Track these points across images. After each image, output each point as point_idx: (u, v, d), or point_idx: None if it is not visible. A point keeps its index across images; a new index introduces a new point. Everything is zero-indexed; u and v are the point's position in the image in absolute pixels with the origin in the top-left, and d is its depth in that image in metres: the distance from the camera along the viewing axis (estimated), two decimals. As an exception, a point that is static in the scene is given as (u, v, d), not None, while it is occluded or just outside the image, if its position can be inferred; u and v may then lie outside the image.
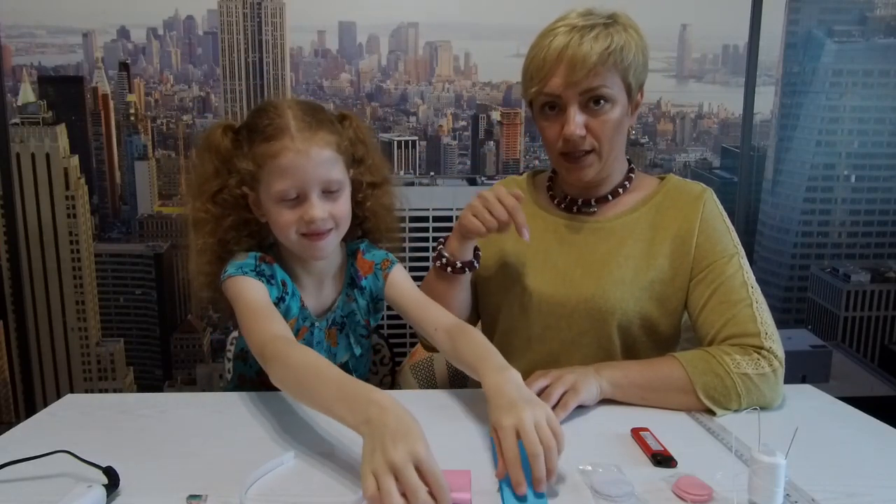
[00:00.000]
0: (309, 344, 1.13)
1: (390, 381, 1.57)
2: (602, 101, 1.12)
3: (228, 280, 1.06)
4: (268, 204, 1.06)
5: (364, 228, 1.22)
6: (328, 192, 1.05)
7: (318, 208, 1.03)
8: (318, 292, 1.17)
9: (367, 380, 1.25)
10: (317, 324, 1.16)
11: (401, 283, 1.19)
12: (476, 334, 1.05)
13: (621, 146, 1.20)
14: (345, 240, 1.17)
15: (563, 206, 1.27)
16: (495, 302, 1.28)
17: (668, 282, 1.18)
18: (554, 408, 1.01)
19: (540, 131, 1.20)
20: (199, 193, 1.10)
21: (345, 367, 1.20)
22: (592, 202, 1.25)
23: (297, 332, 1.12)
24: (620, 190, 1.25)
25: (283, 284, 1.10)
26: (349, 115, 1.15)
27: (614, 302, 1.17)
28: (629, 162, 1.28)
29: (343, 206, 1.07)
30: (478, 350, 1.00)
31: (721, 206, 1.22)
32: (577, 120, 1.12)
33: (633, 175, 1.26)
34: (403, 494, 0.70)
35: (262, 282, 1.06)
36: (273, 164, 1.02)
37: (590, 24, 1.11)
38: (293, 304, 1.13)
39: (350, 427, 0.80)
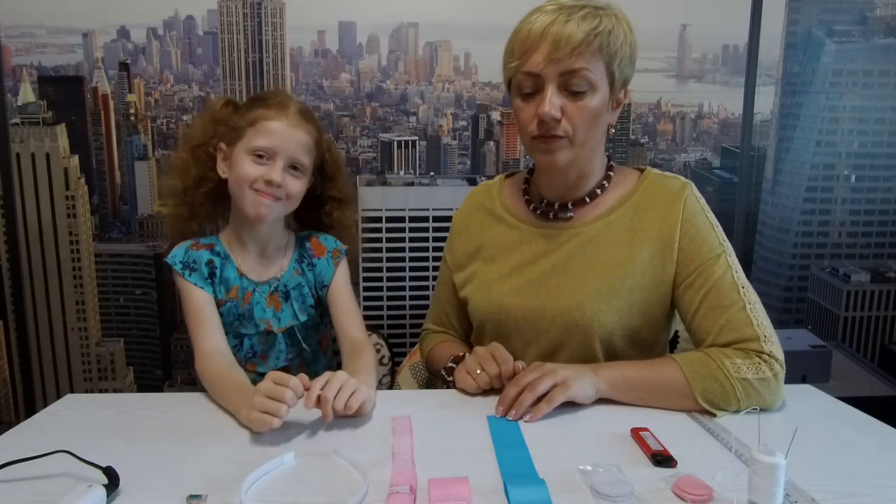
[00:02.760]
0: (251, 307, 1.30)
1: (390, 380, 1.57)
2: (582, 85, 1.07)
3: (175, 275, 1.27)
4: (239, 155, 1.23)
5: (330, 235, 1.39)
6: (292, 169, 1.23)
7: (278, 173, 1.21)
8: (260, 259, 1.32)
9: (317, 348, 1.40)
10: (258, 289, 1.30)
11: (339, 283, 1.35)
12: (366, 357, 1.21)
13: (598, 140, 1.15)
14: (294, 229, 1.37)
15: (538, 211, 1.22)
16: (478, 321, 1.26)
17: (649, 289, 1.14)
18: (539, 399, 1.01)
19: (515, 113, 1.15)
20: (183, 146, 1.31)
21: (291, 332, 1.32)
22: (570, 206, 1.20)
23: (242, 298, 1.29)
24: (599, 191, 1.20)
25: (210, 263, 1.27)
26: (328, 142, 1.36)
27: (592, 314, 1.13)
28: (608, 159, 1.23)
29: (298, 187, 1.25)
30: (354, 371, 1.12)
31: (703, 201, 1.17)
32: (553, 100, 1.07)
33: (611, 174, 1.21)
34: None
35: (187, 275, 1.25)
36: (262, 125, 1.22)
37: (579, 5, 1.07)
38: (229, 274, 1.29)
39: (246, 419, 0.98)
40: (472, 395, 1.10)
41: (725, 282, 1.10)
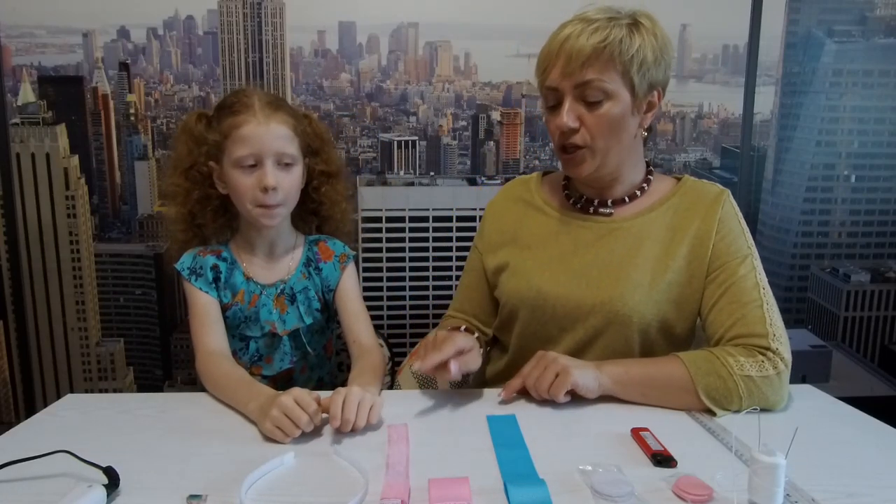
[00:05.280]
0: (258, 309, 1.29)
1: (390, 381, 1.57)
2: (596, 95, 1.11)
3: (182, 280, 1.28)
4: (229, 171, 1.22)
5: (320, 214, 1.36)
6: (282, 165, 1.21)
7: (271, 175, 1.19)
8: (268, 262, 1.32)
9: (322, 353, 1.39)
10: (265, 291, 1.29)
11: (347, 287, 1.34)
12: (373, 360, 1.22)
13: (626, 147, 1.18)
14: (304, 232, 1.36)
15: (579, 205, 1.26)
16: (512, 306, 1.26)
17: (685, 284, 1.17)
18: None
19: (545, 124, 1.21)
20: (174, 170, 1.28)
21: (295, 334, 1.32)
22: (609, 203, 1.24)
23: (249, 301, 1.29)
24: (638, 193, 1.24)
25: (215, 268, 1.27)
26: (309, 115, 1.33)
27: (633, 305, 1.16)
28: (648, 164, 1.27)
29: (293, 180, 1.24)
30: (361, 372, 1.17)
31: (737, 208, 1.22)
32: (568, 112, 1.12)
33: (651, 178, 1.26)
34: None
35: (193, 280, 1.26)
36: (236, 134, 1.19)
37: (597, 17, 1.11)
38: (236, 279, 1.29)
39: (255, 417, 1.00)
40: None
41: (748, 281, 1.14)
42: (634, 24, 1.12)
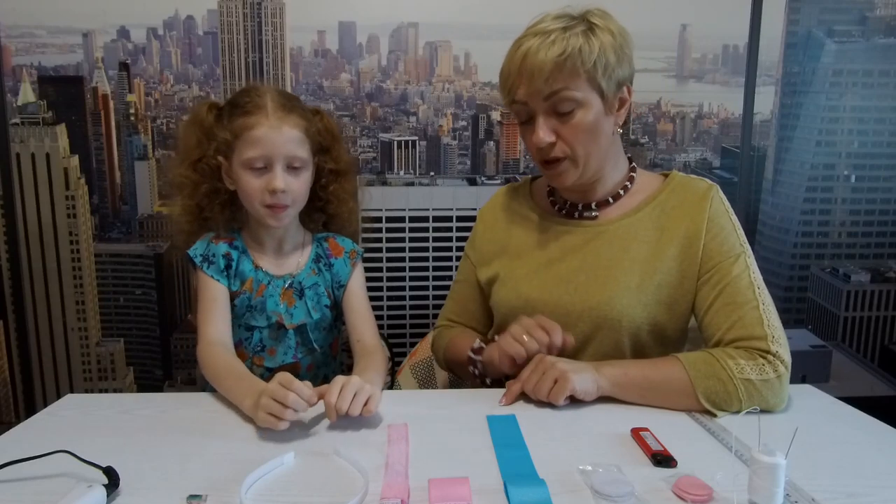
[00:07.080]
0: (264, 298, 1.29)
1: (390, 381, 1.57)
2: (567, 105, 1.10)
3: (194, 266, 1.26)
4: (238, 171, 1.21)
5: (328, 212, 1.34)
6: (291, 168, 1.20)
7: (280, 179, 1.18)
8: (276, 256, 1.31)
9: (328, 351, 1.38)
10: (272, 282, 1.29)
11: (356, 287, 1.35)
12: (376, 361, 1.22)
13: (605, 149, 1.17)
14: (311, 230, 1.36)
15: (563, 211, 1.26)
16: (504, 316, 1.26)
17: (675, 285, 1.16)
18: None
19: (521, 138, 1.21)
20: (182, 161, 1.26)
21: (302, 329, 1.31)
22: (593, 206, 1.23)
23: (256, 290, 1.28)
24: (621, 192, 1.22)
25: (227, 255, 1.27)
26: (321, 111, 1.31)
27: (622, 309, 1.15)
28: (630, 161, 1.26)
29: (302, 184, 1.23)
30: (364, 369, 1.17)
31: (727, 203, 1.20)
32: (543, 129, 1.11)
33: (634, 175, 1.24)
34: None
35: (206, 267, 1.24)
36: (247, 135, 1.18)
37: (551, 29, 1.09)
38: (245, 267, 1.28)
39: (251, 413, 0.99)
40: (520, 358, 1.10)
41: (742, 281, 1.12)
42: (590, 27, 1.10)
